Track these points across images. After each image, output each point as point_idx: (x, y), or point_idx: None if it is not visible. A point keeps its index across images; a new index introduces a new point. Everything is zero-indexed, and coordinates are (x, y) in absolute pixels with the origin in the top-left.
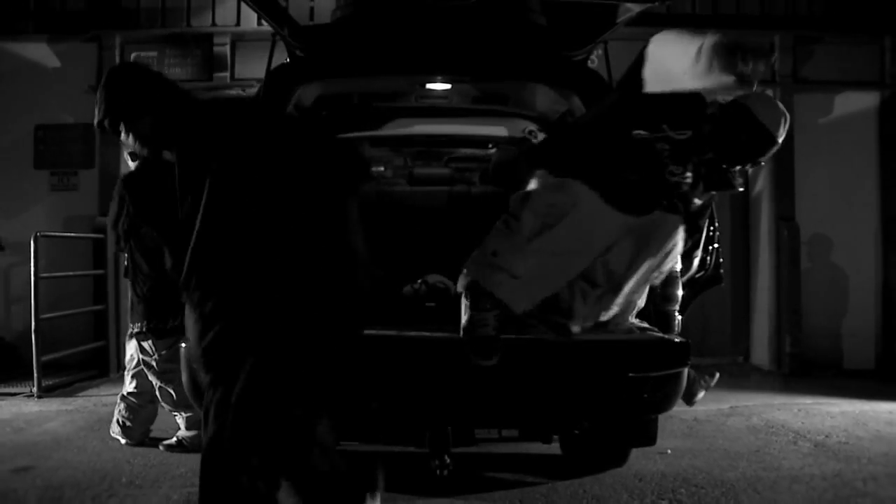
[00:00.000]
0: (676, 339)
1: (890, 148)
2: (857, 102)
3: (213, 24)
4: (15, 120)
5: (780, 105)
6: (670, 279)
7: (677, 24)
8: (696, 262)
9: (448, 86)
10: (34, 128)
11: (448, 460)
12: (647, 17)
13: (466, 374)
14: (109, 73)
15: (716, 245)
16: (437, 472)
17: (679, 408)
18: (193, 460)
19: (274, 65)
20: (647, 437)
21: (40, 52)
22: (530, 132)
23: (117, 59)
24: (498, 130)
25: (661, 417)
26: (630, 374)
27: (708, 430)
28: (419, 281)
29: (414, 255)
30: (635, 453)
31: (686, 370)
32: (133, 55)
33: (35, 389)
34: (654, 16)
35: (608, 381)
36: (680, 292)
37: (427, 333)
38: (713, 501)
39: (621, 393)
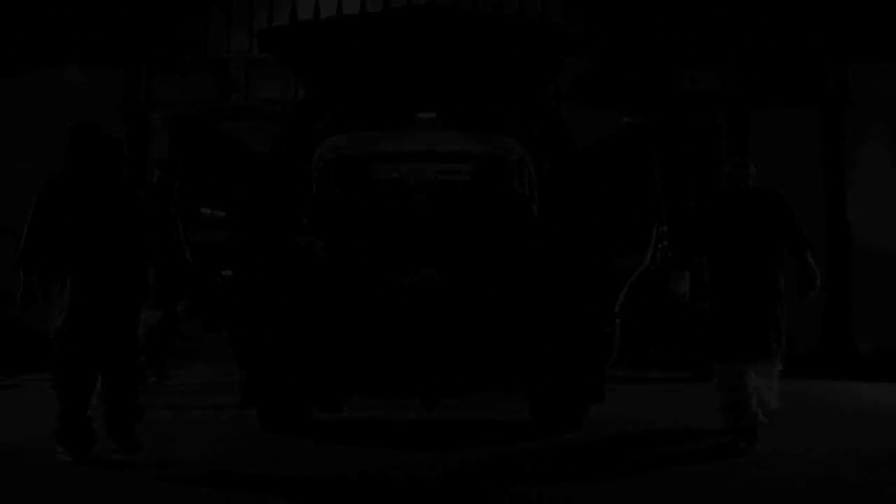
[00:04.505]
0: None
1: (833, 160)
2: (804, 118)
3: (229, 50)
4: (51, 138)
5: None
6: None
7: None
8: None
9: (433, 114)
10: None
11: (434, 402)
12: None
13: (450, 335)
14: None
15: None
16: (426, 409)
17: (639, 385)
18: (233, 422)
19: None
20: (597, 393)
21: (75, 77)
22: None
23: (144, 83)
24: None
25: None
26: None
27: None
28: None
29: (409, 252)
30: (591, 422)
31: (614, 330)
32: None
33: None
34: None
35: (556, 338)
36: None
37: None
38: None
39: (566, 345)
